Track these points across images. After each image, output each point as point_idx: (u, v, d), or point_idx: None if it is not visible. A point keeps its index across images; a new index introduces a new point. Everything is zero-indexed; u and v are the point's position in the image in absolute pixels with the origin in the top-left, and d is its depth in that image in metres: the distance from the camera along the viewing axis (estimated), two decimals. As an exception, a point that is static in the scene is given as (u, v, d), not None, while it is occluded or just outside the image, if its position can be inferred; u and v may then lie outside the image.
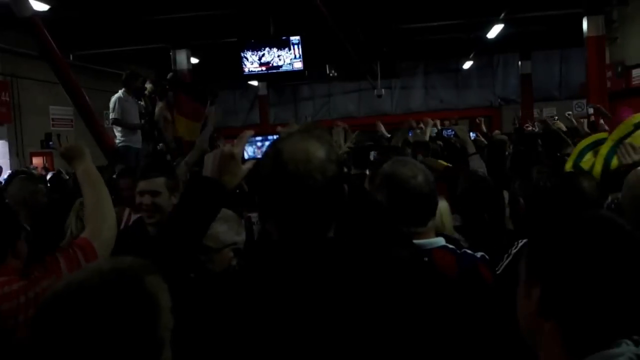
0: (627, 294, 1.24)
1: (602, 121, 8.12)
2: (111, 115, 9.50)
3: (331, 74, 21.20)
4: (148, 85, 10.10)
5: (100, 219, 2.64)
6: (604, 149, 4.12)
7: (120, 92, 9.46)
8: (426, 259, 2.21)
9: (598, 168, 4.07)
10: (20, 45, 14.08)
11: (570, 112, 10.11)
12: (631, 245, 1.28)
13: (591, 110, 6.98)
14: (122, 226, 4.82)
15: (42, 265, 2.46)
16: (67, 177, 11.63)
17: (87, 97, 9.67)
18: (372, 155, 5.95)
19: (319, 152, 1.60)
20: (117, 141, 9.51)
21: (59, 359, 1.13)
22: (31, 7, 8.86)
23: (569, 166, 4.26)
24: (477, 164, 5.51)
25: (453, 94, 27.45)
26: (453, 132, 7.68)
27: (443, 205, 3.28)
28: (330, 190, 1.59)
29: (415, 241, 2.24)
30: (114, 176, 5.97)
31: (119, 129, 9.46)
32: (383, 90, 24.46)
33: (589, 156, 4.28)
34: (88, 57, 16.80)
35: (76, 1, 12.25)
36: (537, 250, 1.36)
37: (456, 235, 3.23)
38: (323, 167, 1.58)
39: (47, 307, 1.19)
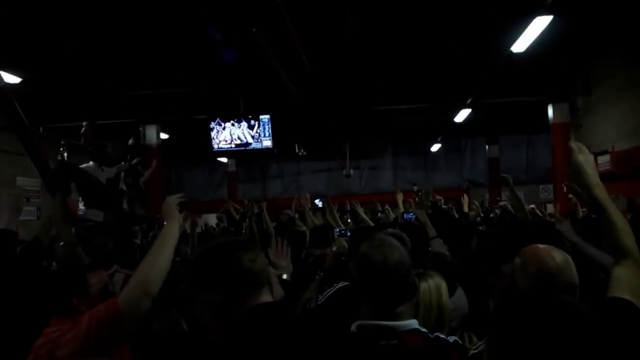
0: None
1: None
2: None
3: (300, 153, 21.36)
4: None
5: (144, 278, 2.64)
6: None
7: (91, 163, 9.26)
8: (395, 341, 2.12)
9: None
10: (-14, 117, 13.92)
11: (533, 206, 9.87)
12: None
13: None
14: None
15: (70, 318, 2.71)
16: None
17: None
18: (336, 233, 5.83)
19: None
20: (79, 211, 9.19)
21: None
22: (2, 79, 8.81)
23: None
24: (439, 247, 5.45)
25: (422, 175, 27.72)
26: (414, 216, 7.53)
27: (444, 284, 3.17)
28: None
29: (385, 322, 2.16)
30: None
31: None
32: (352, 170, 24.65)
33: None
34: (58, 130, 16.66)
35: (48, 75, 12.26)
36: None
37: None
38: None
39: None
